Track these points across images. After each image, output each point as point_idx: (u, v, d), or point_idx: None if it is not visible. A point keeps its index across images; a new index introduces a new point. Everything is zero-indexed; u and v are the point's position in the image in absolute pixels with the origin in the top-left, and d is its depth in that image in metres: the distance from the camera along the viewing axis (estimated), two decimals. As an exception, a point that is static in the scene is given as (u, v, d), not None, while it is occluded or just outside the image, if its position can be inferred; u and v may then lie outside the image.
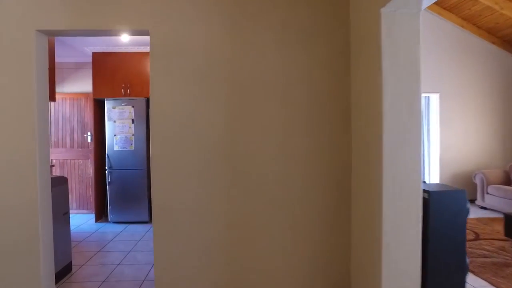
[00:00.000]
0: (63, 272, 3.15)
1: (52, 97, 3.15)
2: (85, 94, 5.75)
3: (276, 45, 2.46)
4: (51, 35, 2.51)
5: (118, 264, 3.49)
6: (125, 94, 5.12)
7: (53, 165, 4.90)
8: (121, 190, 5.10)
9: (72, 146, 5.80)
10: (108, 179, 5.09)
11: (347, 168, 2.50)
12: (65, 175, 5.76)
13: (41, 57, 2.48)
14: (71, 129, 5.80)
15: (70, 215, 5.98)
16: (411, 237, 1.96)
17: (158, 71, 2.44)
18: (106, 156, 5.08)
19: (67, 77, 5.83)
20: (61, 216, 3.17)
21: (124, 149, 5.05)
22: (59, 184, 3.15)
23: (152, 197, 2.47)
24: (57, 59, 5.87)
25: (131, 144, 5.05)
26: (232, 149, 2.46)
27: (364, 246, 2.27)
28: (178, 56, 2.43)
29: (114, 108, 5.05)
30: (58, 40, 4.74)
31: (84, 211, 5.80)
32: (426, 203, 2.27)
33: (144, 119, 5.04)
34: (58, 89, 5.84)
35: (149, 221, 5.14)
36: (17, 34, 2.39)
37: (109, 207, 5.13)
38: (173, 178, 2.46)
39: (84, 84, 5.77)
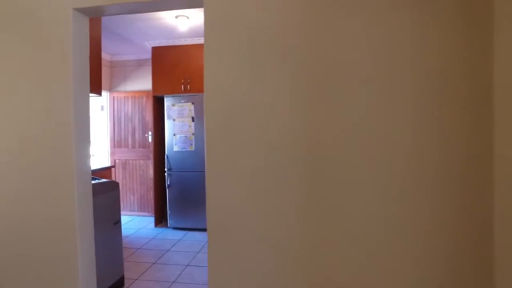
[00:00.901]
0: (114, 287, 2.78)
1: (97, 91, 2.80)
2: (146, 92, 5.52)
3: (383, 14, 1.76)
4: (91, 14, 2.10)
5: (173, 282, 3.05)
6: (185, 90, 4.74)
7: (113, 166, 4.71)
8: (181, 194, 4.74)
9: (133, 146, 5.61)
10: (167, 182, 4.76)
11: (488, 181, 1.71)
12: (127, 176, 5.59)
13: (81, 41, 2.08)
14: (133, 128, 5.61)
15: (131, 217, 5.91)
16: None
17: (213, 50, 1.89)
18: (165, 157, 4.75)
19: (129, 75, 5.66)
20: (111, 225, 2.79)
21: (184, 149, 4.68)
22: (109, 190, 2.79)
23: (207, 213, 1.94)
24: (118, 57, 5.74)
25: (191, 144, 4.66)
26: (316, 151, 1.82)
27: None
28: (238, 32, 1.86)
29: (173, 105, 4.70)
30: (118, 36, 4.51)
31: (145, 213, 5.58)
32: None
33: (203, 116, 4.61)
34: (120, 88, 5.69)
35: (210, 228, 4.69)
36: (52, 14, 2.01)
37: (168, 212, 4.80)
38: (231, 187, 1.90)
39: (145, 82, 5.55)
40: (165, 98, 4.76)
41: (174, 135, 4.70)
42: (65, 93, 2.02)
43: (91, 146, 2.24)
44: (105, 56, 5.56)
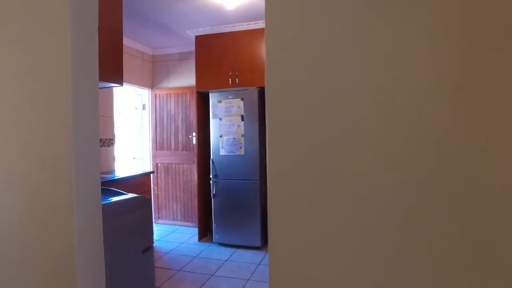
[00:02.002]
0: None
1: (118, 80, 2.19)
2: (189, 88, 4.94)
3: None
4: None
5: (218, 328, 2.36)
6: (233, 84, 4.07)
7: (153, 172, 4.19)
8: (228, 205, 4.07)
9: (176, 149, 5.06)
10: (212, 191, 4.12)
11: None
12: (170, 182, 5.05)
13: (84, 11, 1.44)
14: (176, 129, 5.05)
15: (174, 228, 5.35)
16: None
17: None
18: (211, 162, 4.10)
19: (172, 71, 5.12)
20: (139, 254, 2.17)
21: (232, 153, 4.00)
22: (137, 209, 2.16)
23: (269, 245, 1.19)
24: (160, 51, 5.22)
25: (240, 148, 3.97)
26: (468, 166, 1.00)
27: None
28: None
29: (219, 102, 4.04)
30: (155, 24, 3.94)
31: (189, 223, 5.00)
32: None
33: (257, 115, 3.90)
34: (162, 85, 5.17)
35: (262, 246, 3.98)
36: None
37: (213, 225, 4.16)
38: (311, 210, 1.13)
39: (189, 77, 4.97)
40: (210, 94, 4.12)
41: (221, 136, 4.04)
42: (60, 78, 1.37)
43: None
44: (146, 50, 5.06)
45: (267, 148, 1.14)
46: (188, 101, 4.96)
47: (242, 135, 3.95)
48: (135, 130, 5.25)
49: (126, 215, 2.02)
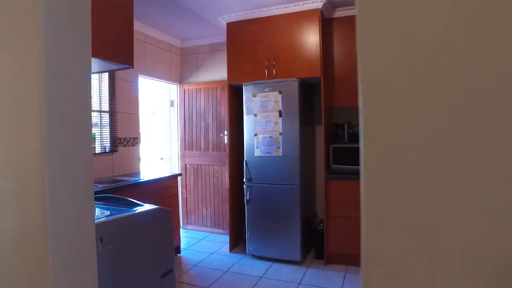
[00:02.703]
0: None
1: (129, 62, 1.78)
2: (221, 83, 4.51)
3: None
4: None
5: None
6: (269, 76, 3.58)
7: (179, 175, 3.79)
8: (264, 212, 3.59)
9: (206, 149, 4.65)
10: (246, 196, 3.65)
11: None
12: (199, 185, 4.65)
13: None
14: (206, 127, 4.64)
15: (204, 235, 4.81)
16: None
17: None
18: (244, 163, 3.64)
19: (202, 64, 4.71)
20: (157, 280, 1.73)
21: (268, 154, 3.52)
22: (155, 224, 1.73)
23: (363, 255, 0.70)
24: (190, 43, 4.81)
25: (278, 148, 3.48)
26: None
27: None
28: None
29: (254, 96, 3.57)
30: (185, 10, 3.53)
31: (220, 230, 4.57)
32: None
33: (297, 111, 3.39)
34: (192, 79, 4.77)
35: (302, 261, 3.47)
36: None
37: (247, 235, 3.69)
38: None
39: (220, 70, 4.54)
40: (243, 87, 3.66)
41: (256, 135, 3.57)
42: (29, 52, 0.94)
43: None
44: (175, 42, 4.68)
45: (362, 167, 0.66)
46: (219, 96, 4.53)
47: (280, 134, 3.45)
48: (162, 128, 4.90)
49: (139, 233, 1.59)
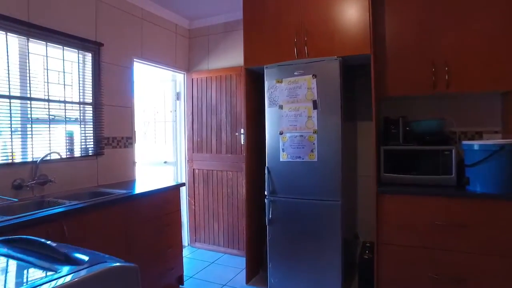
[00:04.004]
0: None
1: None
2: (236, 69, 3.66)
3: None
4: None
5: None
6: (300, 55, 2.70)
7: (183, 184, 2.96)
8: (291, 235, 2.71)
9: (219, 151, 3.80)
10: (268, 214, 2.78)
11: None
12: (209, 195, 3.82)
13: None
14: (218, 124, 3.80)
15: (216, 256, 3.63)
16: None
17: None
18: (266, 171, 2.77)
19: (213, 48, 3.87)
20: None
21: (299, 159, 2.64)
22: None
23: None
24: (199, 23, 3.90)
25: (312, 151, 2.59)
26: None
27: None
28: None
29: (279, 82, 2.70)
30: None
31: (234, 251, 3.73)
32: None
33: (338, 101, 2.51)
34: (202, 66, 3.94)
35: (343, 304, 2.58)
36: None
37: (268, 264, 2.82)
38: None
39: (235, 55, 3.69)
40: (265, 71, 2.79)
41: (281, 133, 2.70)
42: None
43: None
44: (181, 22, 3.87)
45: None
46: (234, 86, 3.68)
47: (315, 132, 2.57)
48: (166, 126, 4.09)
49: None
